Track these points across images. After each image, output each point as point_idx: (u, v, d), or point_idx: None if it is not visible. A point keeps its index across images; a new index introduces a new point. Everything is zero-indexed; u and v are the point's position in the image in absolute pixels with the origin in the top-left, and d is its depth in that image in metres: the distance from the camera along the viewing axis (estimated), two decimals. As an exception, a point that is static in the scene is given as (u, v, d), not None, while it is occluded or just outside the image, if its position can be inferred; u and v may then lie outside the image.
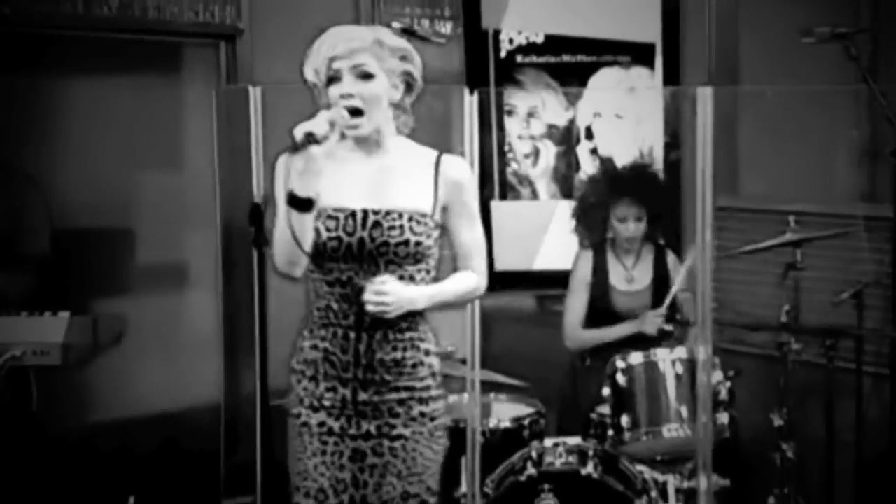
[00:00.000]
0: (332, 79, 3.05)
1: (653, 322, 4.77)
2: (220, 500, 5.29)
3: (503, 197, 5.85)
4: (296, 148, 2.85)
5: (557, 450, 4.31)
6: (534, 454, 4.31)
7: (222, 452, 5.33)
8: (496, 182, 5.84)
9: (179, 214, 5.61)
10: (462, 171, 3.24)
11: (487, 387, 4.83)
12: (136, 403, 5.70)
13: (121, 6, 5.21)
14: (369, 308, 3.02)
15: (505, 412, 4.80)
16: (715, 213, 5.25)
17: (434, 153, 3.22)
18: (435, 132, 4.25)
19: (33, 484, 4.91)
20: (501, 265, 5.80)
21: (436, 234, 3.17)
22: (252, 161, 4.02)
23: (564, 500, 4.14)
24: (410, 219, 3.11)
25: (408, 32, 4.93)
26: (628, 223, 4.83)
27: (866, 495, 4.86)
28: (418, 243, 3.11)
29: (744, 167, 5.60)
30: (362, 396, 3.14)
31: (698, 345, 4.04)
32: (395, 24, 4.86)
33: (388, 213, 3.10)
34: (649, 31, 5.73)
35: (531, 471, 4.21)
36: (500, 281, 5.81)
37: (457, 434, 4.22)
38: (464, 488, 4.16)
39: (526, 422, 4.66)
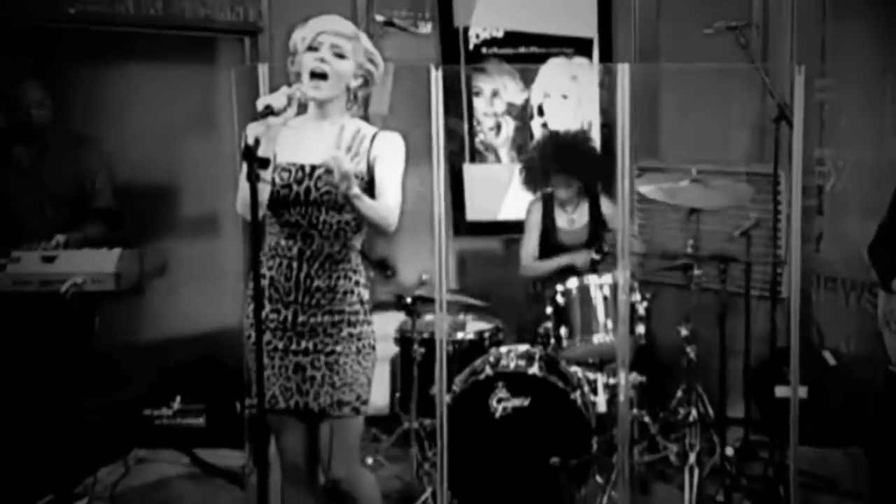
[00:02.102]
0: (312, 47, 3.05)
1: (584, 258, 4.81)
2: (243, 397, 5.23)
3: (472, 161, 5.88)
4: (260, 114, 2.83)
5: (510, 354, 4.40)
6: (491, 359, 4.39)
7: (245, 358, 5.38)
8: (467, 150, 5.89)
9: (211, 173, 5.61)
10: (392, 139, 3.18)
11: (459, 307, 4.93)
12: (179, 324, 5.77)
13: (165, 7, 5.24)
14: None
15: (470, 327, 4.89)
16: (637, 171, 5.38)
17: (374, 129, 3.19)
18: (413, 108, 4.34)
19: (91, 388, 5.01)
20: (472, 216, 5.91)
21: (367, 189, 3.09)
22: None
23: (515, 394, 4.21)
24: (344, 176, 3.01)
25: (389, 24, 5.00)
26: (560, 188, 4.91)
27: (751, 388, 4.96)
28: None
29: (662, 136, 5.66)
30: (301, 318, 3.13)
31: (619, 272, 4.05)
32: (379, 17, 4.92)
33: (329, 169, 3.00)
34: (588, 27, 5.76)
35: (489, 371, 4.28)
36: (471, 228, 5.97)
37: (430, 343, 4.37)
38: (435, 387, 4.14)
39: (487, 335, 4.78)
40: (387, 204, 3.11)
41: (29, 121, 4.83)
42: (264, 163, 2.82)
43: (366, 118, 3.29)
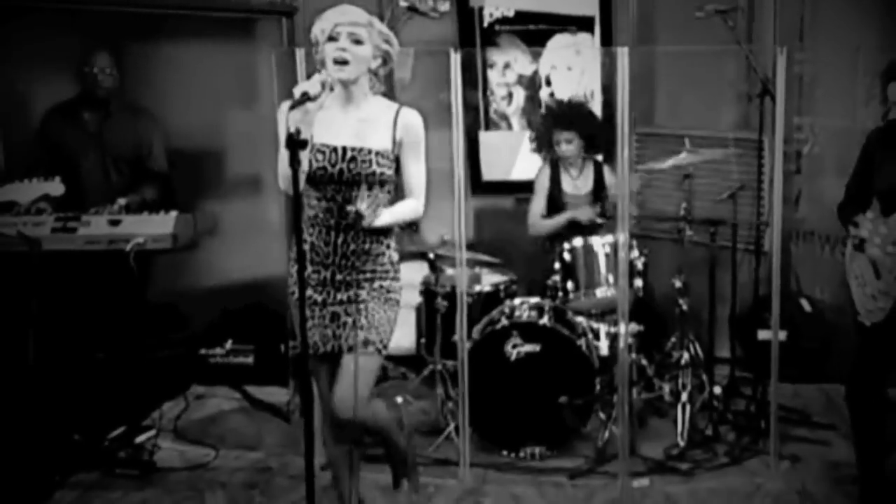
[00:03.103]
0: (332, 38, 3.06)
1: (585, 211, 4.80)
2: (287, 340, 5.26)
3: (487, 128, 5.84)
4: (294, 104, 2.85)
5: (523, 306, 4.43)
6: (506, 310, 4.42)
7: (289, 304, 5.37)
8: (482, 118, 5.85)
9: (252, 139, 5.58)
10: (413, 118, 3.22)
11: (476, 263, 4.92)
12: (228, 274, 5.77)
13: (210, -10, 5.23)
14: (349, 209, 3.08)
15: (486, 280, 4.89)
16: (636, 138, 5.36)
17: (396, 106, 3.22)
18: (434, 85, 4.32)
19: (154, 331, 5.04)
20: (487, 177, 5.89)
21: (394, 166, 3.19)
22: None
23: (527, 341, 4.25)
24: (378, 155, 3.14)
25: (412, 9, 4.96)
26: (561, 145, 4.86)
27: (737, 332, 4.98)
28: (382, 173, 3.16)
29: (658, 106, 5.61)
30: (338, 276, 3.19)
31: (620, 232, 4.03)
32: (402, 3, 4.87)
33: (360, 149, 3.13)
34: (590, 7, 5.66)
35: (504, 322, 4.32)
36: (486, 188, 5.96)
37: (452, 296, 4.39)
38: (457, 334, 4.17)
39: (502, 286, 4.77)
40: (415, 204, 3.26)
41: (96, 86, 4.86)
42: (302, 144, 2.83)
43: (391, 90, 3.30)
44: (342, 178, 3.13)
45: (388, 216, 3.19)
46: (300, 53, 4.07)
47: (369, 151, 3.14)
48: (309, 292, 3.19)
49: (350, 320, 3.20)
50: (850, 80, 4.85)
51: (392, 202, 3.25)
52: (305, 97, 2.87)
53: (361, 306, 3.19)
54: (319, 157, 3.12)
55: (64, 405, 4.54)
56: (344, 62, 3.07)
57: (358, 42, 3.09)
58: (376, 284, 3.22)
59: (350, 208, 3.11)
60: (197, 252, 5.14)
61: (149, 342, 4.98)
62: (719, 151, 4.63)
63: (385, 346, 3.24)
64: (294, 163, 2.75)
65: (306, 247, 3.17)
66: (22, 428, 4.34)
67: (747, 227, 4.74)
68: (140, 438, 4.48)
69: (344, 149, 3.13)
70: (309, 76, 3.12)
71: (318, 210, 3.17)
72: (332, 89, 3.02)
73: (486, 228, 5.81)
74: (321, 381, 3.30)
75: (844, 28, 4.96)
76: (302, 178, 3.00)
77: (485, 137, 5.86)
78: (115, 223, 4.51)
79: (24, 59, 5.46)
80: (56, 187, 3.92)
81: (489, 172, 5.90)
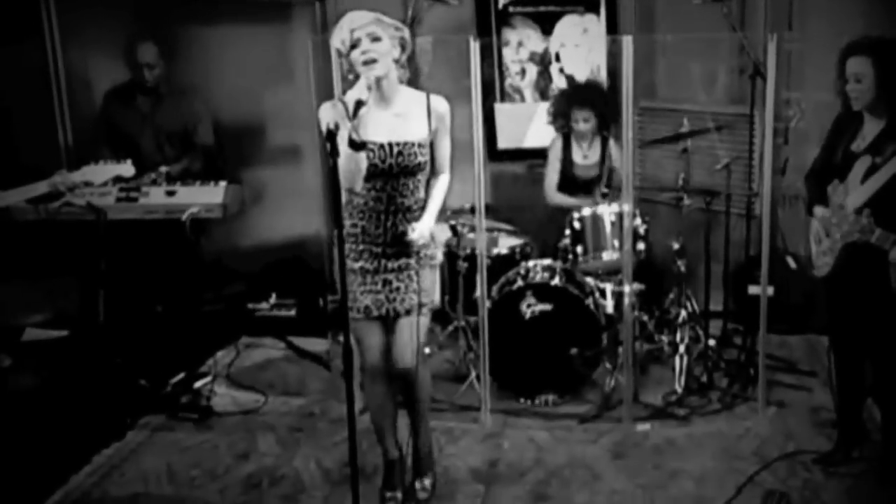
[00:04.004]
0: (354, 45, 3.06)
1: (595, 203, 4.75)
2: (325, 294, 5.33)
3: (502, 101, 5.76)
4: (354, 112, 2.91)
5: (537, 268, 4.41)
6: (522, 271, 4.42)
7: (325, 264, 5.41)
8: (497, 91, 5.80)
9: (290, 113, 5.55)
10: (442, 104, 3.26)
11: (493, 229, 4.92)
12: (271, 234, 5.78)
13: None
14: (412, 237, 3.19)
15: (503, 243, 4.87)
16: (638, 111, 5.30)
17: (423, 94, 3.24)
18: (455, 69, 4.28)
19: (206, 286, 5.11)
20: (502, 144, 5.80)
21: (428, 153, 3.23)
22: (333, 83, 4.00)
23: (541, 300, 4.25)
24: (419, 146, 3.18)
25: (434, -1, 4.89)
26: (579, 123, 4.83)
27: (729, 288, 4.93)
28: (423, 161, 3.20)
29: (659, 81, 5.54)
30: (388, 251, 3.24)
31: (624, 202, 4.05)
32: None
33: (405, 144, 3.16)
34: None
35: (520, 282, 4.32)
36: (501, 155, 5.92)
37: (472, 258, 4.40)
38: (477, 293, 4.21)
39: (518, 249, 4.76)
40: (444, 180, 3.33)
41: (143, 79, 4.88)
42: (361, 146, 2.94)
43: (415, 76, 3.29)
44: (391, 171, 3.17)
45: (429, 217, 3.27)
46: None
47: (412, 144, 3.17)
48: (362, 263, 3.24)
49: (402, 286, 3.24)
50: (835, 56, 4.76)
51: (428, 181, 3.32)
52: (360, 104, 2.92)
53: (412, 273, 3.25)
54: (369, 154, 3.12)
55: (131, 354, 4.61)
56: (373, 61, 3.06)
57: (377, 39, 3.08)
58: (422, 253, 3.27)
59: (410, 236, 3.20)
60: (244, 215, 5.15)
61: (202, 297, 5.05)
62: (714, 125, 4.58)
63: (433, 305, 3.36)
64: (334, 153, 2.76)
65: (357, 230, 3.24)
66: (96, 375, 4.43)
67: (739, 194, 4.70)
68: (198, 384, 4.55)
69: (391, 145, 3.16)
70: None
71: (367, 199, 3.21)
72: (369, 88, 3.02)
73: (501, 192, 5.77)
74: (369, 339, 3.32)
75: (830, 14, 4.87)
76: (361, 175, 3.09)
77: (500, 109, 5.79)
78: (171, 194, 4.55)
79: (87, 44, 5.47)
80: (127, 169, 3.95)
81: (504, 141, 5.84)
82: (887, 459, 3.54)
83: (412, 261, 3.26)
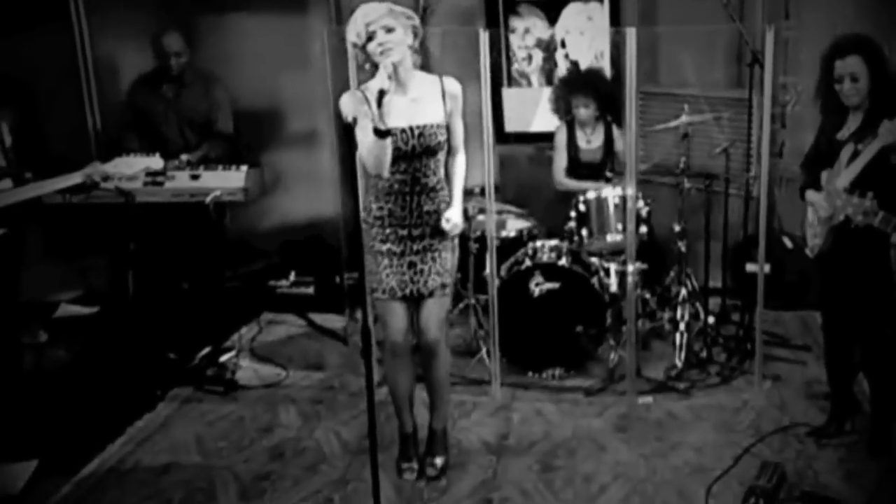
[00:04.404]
0: (370, 38, 3.07)
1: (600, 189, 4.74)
2: (342, 272, 5.32)
3: (510, 86, 5.73)
4: (378, 102, 2.92)
5: (544, 248, 4.41)
6: (530, 251, 4.41)
7: (342, 242, 5.42)
8: (505, 76, 5.77)
9: (307, 99, 5.54)
10: (455, 85, 3.28)
11: (501, 211, 4.87)
12: (291, 215, 5.79)
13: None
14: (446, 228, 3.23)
15: (511, 225, 4.85)
16: (640, 96, 5.25)
17: (437, 77, 3.27)
18: (465, 57, 4.26)
19: (230, 264, 5.15)
20: (510, 128, 5.73)
21: (446, 133, 3.25)
22: (349, 71, 3.99)
23: (548, 279, 4.25)
24: (438, 127, 3.20)
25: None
26: (580, 109, 4.79)
27: (728, 266, 4.96)
28: (443, 140, 3.23)
29: (660, 66, 5.50)
30: (414, 233, 3.26)
31: (627, 186, 4.06)
32: None
33: (425, 126, 3.18)
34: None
35: (528, 262, 4.32)
36: (509, 138, 5.89)
37: (482, 240, 4.37)
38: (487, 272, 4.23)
39: (525, 231, 4.74)
40: (461, 160, 3.37)
41: (169, 67, 4.86)
42: (386, 134, 2.97)
43: (426, 59, 3.30)
44: (414, 152, 3.19)
45: (458, 204, 3.33)
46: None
47: (432, 126, 3.20)
48: (388, 246, 3.26)
49: (426, 268, 3.27)
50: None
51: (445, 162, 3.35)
52: (383, 93, 2.94)
53: (435, 255, 3.27)
54: (393, 140, 3.13)
55: (159, 329, 4.65)
56: (389, 50, 3.08)
57: (391, 30, 3.09)
58: (444, 236, 3.28)
59: (444, 227, 3.24)
60: (265, 196, 5.16)
61: (225, 274, 5.08)
62: (713, 114, 4.55)
63: (453, 284, 3.39)
64: (353, 145, 2.77)
65: (384, 212, 3.25)
66: (127, 349, 4.47)
67: (737, 177, 4.69)
68: (223, 358, 4.58)
69: (412, 128, 3.17)
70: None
71: (392, 181, 3.22)
72: (389, 78, 3.03)
73: (508, 171, 5.75)
74: (393, 319, 3.33)
75: (824, 8, 4.84)
76: (388, 161, 3.11)
77: (508, 93, 5.76)
78: (195, 178, 4.57)
79: (114, 32, 5.46)
80: (156, 161, 3.98)
81: (511, 125, 5.79)
82: (875, 431, 3.56)
83: (436, 241, 3.28)
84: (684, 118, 4.41)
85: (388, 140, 3.05)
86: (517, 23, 5.68)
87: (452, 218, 3.25)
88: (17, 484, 3.51)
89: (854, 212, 2.98)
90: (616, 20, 5.45)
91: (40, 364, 4.68)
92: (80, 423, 3.97)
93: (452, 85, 3.28)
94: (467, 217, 4.59)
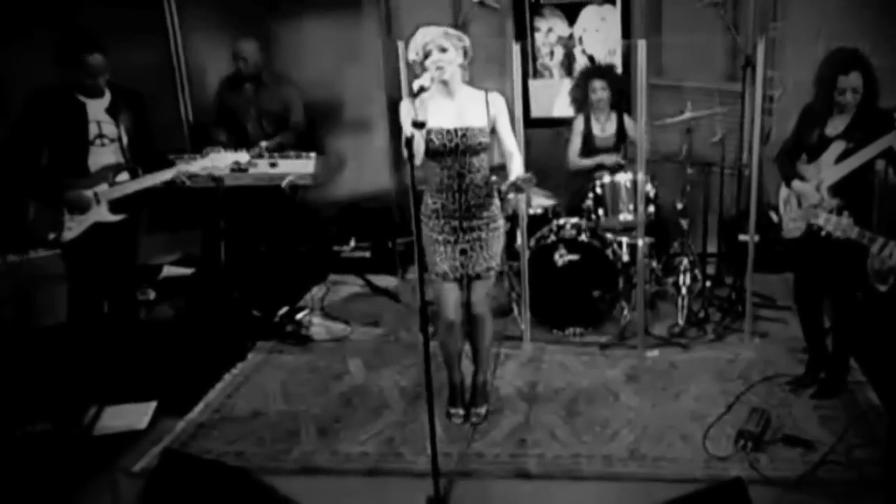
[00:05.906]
0: (427, 55, 3.07)
1: (612, 159, 4.70)
2: (395, 238, 5.32)
3: (535, 77, 5.65)
4: (415, 94, 2.87)
5: (567, 225, 4.36)
6: (554, 227, 4.37)
7: (394, 212, 5.41)
8: (531, 69, 5.68)
9: (362, 90, 5.53)
10: (499, 99, 3.24)
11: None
12: (350, 189, 5.78)
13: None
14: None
15: (537, 202, 4.73)
16: (648, 88, 5.15)
17: (483, 91, 3.23)
18: (499, 63, 4.22)
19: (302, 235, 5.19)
20: (535, 113, 5.67)
21: (490, 137, 3.21)
22: (400, 71, 3.97)
23: (570, 251, 4.23)
24: (480, 130, 3.17)
25: (480, 4, 4.78)
26: (597, 91, 4.72)
27: (723, 235, 4.93)
28: (484, 142, 3.18)
29: (666, 60, 5.38)
30: (464, 224, 3.24)
31: (638, 170, 4.01)
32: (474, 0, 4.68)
33: (468, 128, 3.15)
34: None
35: (552, 237, 4.29)
36: (534, 122, 5.81)
37: (514, 217, 4.34)
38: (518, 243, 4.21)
39: (550, 209, 4.67)
40: (518, 160, 3.29)
41: (246, 70, 4.85)
42: (421, 125, 2.85)
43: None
44: (458, 150, 3.16)
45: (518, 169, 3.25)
46: (401, 45, 4.00)
47: (474, 129, 3.17)
48: (444, 235, 3.25)
49: (475, 254, 3.26)
50: (813, 42, 4.59)
51: (490, 164, 3.30)
52: (422, 89, 2.89)
53: (483, 243, 3.26)
54: (438, 137, 3.13)
55: (246, 290, 4.71)
56: (441, 68, 3.07)
57: (444, 50, 3.08)
58: (491, 226, 3.28)
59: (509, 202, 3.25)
60: (329, 184, 5.22)
61: (297, 241, 5.15)
62: (711, 111, 4.47)
63: (498, 266, 3.36)
64: (410, 146, 2.78)
65: (437, 206, 3.24)
66: (220, 307, 4.55)
67: (734, 155, 4.62)
68: (299, 316, 4.61)
69: (456, 129, 3.16)
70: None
71: (442, 177, 3.20)
72: (433, 80, 3.01)
73: (533, 151, 5.71)
74: (446, 297, 3.33)
75: (809, 16, 4.73)
76: (422, 148, 3.08)
77: (534, 84, 5.69)
78: (273, 165, 4.57)
79: (204, 35, 5.45)
80: (242, 156, 3.98)
81: (536, 111, 5.74)
82: (829, 380, 3.60)
83: (483, 232, 3.27)
84: (688, 114, 4.34)
85: (421, 132, 2.99)
86: (541, 23, 5.58)
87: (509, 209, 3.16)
88: (144, 420, 3.60)
89: (833, 228, 2.92)
90: (626, 19, 5.34)
91: (150, 318, 4.78)
92: (185, 369, 4.04)
93: (496, 98, 3.25)
94: (500, 196, 4.58)
